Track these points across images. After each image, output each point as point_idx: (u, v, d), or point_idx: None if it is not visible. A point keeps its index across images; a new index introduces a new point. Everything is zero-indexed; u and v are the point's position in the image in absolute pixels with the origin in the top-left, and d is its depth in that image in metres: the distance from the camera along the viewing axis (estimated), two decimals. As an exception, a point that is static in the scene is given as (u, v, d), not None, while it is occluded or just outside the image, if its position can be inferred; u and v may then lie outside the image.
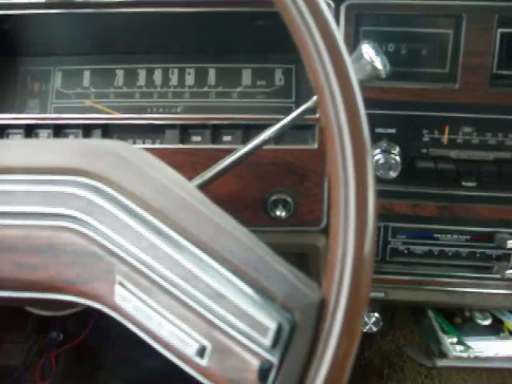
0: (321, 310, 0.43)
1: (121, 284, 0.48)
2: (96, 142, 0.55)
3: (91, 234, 0.50)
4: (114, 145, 0.53)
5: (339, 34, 0.47)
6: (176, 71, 1.01)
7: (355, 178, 0.43)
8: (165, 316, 0.46)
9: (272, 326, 0.43)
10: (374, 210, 0.44)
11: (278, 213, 0.91)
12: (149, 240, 0.47)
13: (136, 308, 0.47)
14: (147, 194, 0.48)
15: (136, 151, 0.54)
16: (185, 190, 0.49)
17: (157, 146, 0.93)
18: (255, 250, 0.45)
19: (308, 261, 0.98)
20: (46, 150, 0.54)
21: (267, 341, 0.43)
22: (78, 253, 0.50)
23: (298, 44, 0.47)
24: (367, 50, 0.71)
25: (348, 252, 0.42)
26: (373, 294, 1.01)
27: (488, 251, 0.98)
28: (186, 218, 0.47)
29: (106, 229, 0.49)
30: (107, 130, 0.94)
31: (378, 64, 0.71)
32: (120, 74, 1.02)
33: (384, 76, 0.72)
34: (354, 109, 0.45)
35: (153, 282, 0.47)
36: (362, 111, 0.46)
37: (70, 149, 0.53)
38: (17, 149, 0.55)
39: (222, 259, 0.45)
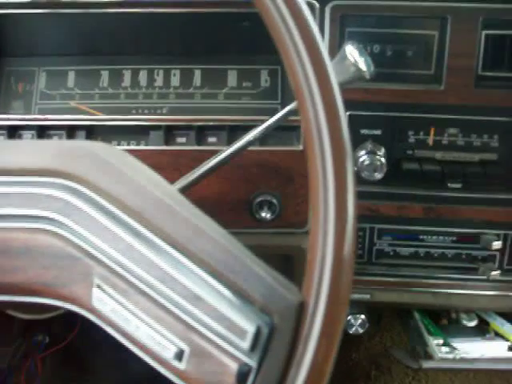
0: (300, 312, 0.42)
1: (98, 286, 0.47)
2: (74, 144, 0.54)
3: (69, 235, 0.49)
4: (92, 146, 0.52)
5: (319, 35, 0.46)
6: (161, 72, 1.00)
7: (335, 180, 0.43)
8: (142, 318, 0.45)
9: (250, 329, 0.42)
10: (354, 211, 0.43)
11: (263, 214, 0.91)
12: (126, 241, 0.47)
13: (113, 311, 0.46)
14: (125, 195, 0.47)
15: (115, 152, 0.53)
16: (163, 191, 0.48)
17: (141, 147, 0.92)
18: (234, 252, 0.45)
19: (293, 263, 0.98)
20: (23, 151, 0.53)
21: (246, 344, 0.43)
22: (56, 255, 0.49)
23: (278, 45, 0.47)
24: (351, 51, 0.71)
25: (327, 254, 0.42)
26: (358, 296, 1.01)
27: (474, 252, 0.98)
28: (163, 219, 0.46)
29: (83, 230, 0.48)
30: (91, 132, 0.93)
31: (362, 65, 0.70)
32: (105, 74, 1.01)
33: (368, 77, 0.71)
34: (333, 111, 0.44)
35: (130, 284, 0.46)
36: (342, 113, 0.45)
37: (47, 150, 0.52)
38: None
39: (200, 261, 0.45)
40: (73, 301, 0.49)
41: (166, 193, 0.48)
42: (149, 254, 0.46)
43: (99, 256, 0.47)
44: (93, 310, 0.48)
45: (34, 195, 0.50)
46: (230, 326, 0.43)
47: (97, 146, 0.53)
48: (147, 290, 0.45)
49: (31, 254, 0.50)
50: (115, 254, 0.47)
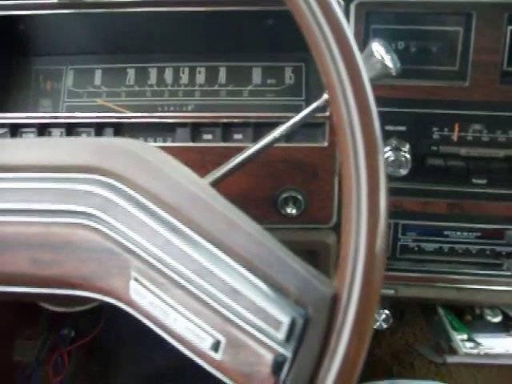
0: (333, 304, 0.43)
1: (136, 280, 0.49)
2: (110, 141, 0.56)
3: (107, 230, 0.50)
4: (128, 143, 0.54)
5: (351, 33, 0.47)
6: (187, 70, 1.02)
7: (367, 177, 0.44)
8: (180, 311, 0.47)
9: (285, 320, 0.43)
10: (386, 208, 0.44)
11: (288, 210, 0.92)
12: (164, 237, 0.48)
13: (151, 303, 0.48)
14: (162, 191, 0.49)
15: (150, 149, 0.55)
16: (198, 186, 0.50)
17: (168, 144, 0.94)
18: (268, 245, 0.46)
19: (318, 258, 0.99)
20: (61, 148, 0.55)
21: (281, 335, 0.44)
22: (94, 249, 0.51)
23: (310, 43, 0.48)
24: (377, 48, 0.72)
25: (360, 248, 0.43)
26: (383, 291, 1.01)
27: (498, 248, 0.98)
28: (199, 214, 0.47)
29: (121, 226, 0.50)
30: (119, 129, 0.95)
31: (389, 62, 0.71)
32: (131, 72, 1.02)
33: (394, 74, 0.72)
34: (366, 109, 0.45)
35: (168, 277, 0.48)
36: (374, 111, 0.46)
37: (84, 147, 0.54)
38: (32, 147, 0.56)
39: (236, 254, 0.46)
40: (111, 293, 0.51)
41: (201, 188, 0.49)
42: (186, 248, 0.47)
43: (137, 250, 0.49)
44: (131, 303, 0.49)
45: (72, 191, 0.51)
46: (265, 317, 0.44)
47: (133, 144, 0.54)
48: (185, 283, 0.47)
49: (69, 247, 0.51)
50: (153, 249, 0.48)
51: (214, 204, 0.48)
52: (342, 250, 0.45)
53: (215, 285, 0.46)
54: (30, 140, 0.61)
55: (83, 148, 0.54)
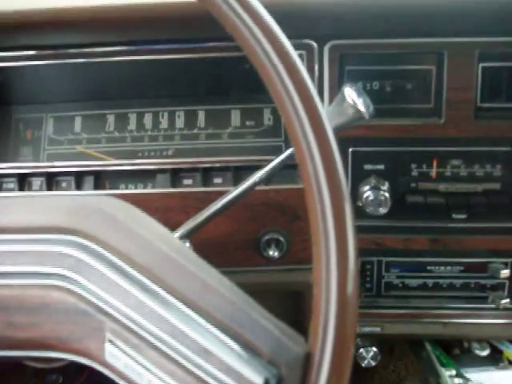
0: (307, 363, 0.43)
1: (111, 342, 0.48)
2: (83, 200, 0.56)
3: (81, 291, 0.50)
4: (100, 203, 0.54)
5: (314, 90, 0.48)
6: (166, 114, 1.02)
7: (335, 231, 0.44)
8: (154, 372, 0.46)
9: (259, 381, 0.43)
10: (355, 261, 0.44)
11: (270, 253, 0.92)
12: (136, 297, 0.48)
13: (126, 365, 0.47)
14: (133, 252, 0.49)
15: (123, 208, 0.55)
16: (170, 246, 0.50)
17: (149, 190, 0.94)
18: (240, 305, 0.46)
19: (302, 298, 0.98)
20: (34, 209, 0.55)
21: (255, 396, 0.43)
22: (70, 311, 0.50)
23: (273, 97, 0.48)
24: (349, 93, 0.73)
25: (331, 304, 0.43)
26: (369, 329, 1.01)
27: (482, 281, 0.99)
28: (171, 275, 0.47)
29: (94, 287, 0.50)
30: (99, 177, 0.95)
31: (361, 106, 0.72)
32: (111, 118, 1.03)
33: (367, 117, 0.73)
34: (330, 157, 0.46)
35: (142, 338, 0.47)
36: (339, 163, 0.46)
37: (58, 208, 0.54)
38: (5, 208, 0.56)
39: (208, 315, 0.46)
40: (86, 355, 0.50)
41: (173, 248, 0.49)
42: (158, 309, 0.47)
43: (111, 311, 0.49)
44: (106, 365, 0.49)
45: (45, 253, 0.51)
46: (238, 378, 0.44)
47: (104, 203, 0.54)
48: (158, 344, 0.46)
49: (45, 310, 0.51)
50: (126, 310, 0.48)
51: (186, 264, 0.48)
52: (313, 303, 0.45)
53: (188, 345, 0.45)
54: (2, 201, 0.61)
55: (56, 209, 0.54)
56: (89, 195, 0.93)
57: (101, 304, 0.49)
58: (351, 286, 0.44)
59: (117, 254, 0.49)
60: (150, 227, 0.53)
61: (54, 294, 0.51)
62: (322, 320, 0.43)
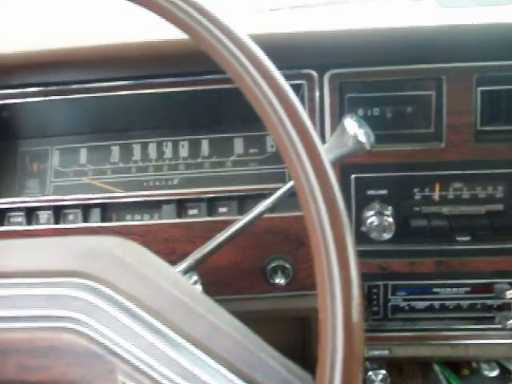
0: None
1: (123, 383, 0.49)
2: (93, 244, 0.57)
3: (92, 334, 0.51)
4: (110, 246, 0.55)
5: (312, 127, 0.48)
6: (170, 144, 1.03)
7: (338, 262, 0.45)
8: (166, 414, 0.47)
9: (270, 421, 0.44)
10: (359, 292, 0.45)
11: (277, 280, 0.92)
12: (147, 339, 0.49)
13: (138, 407, 0.48)
14: (143, 295, 0.50)
15: (131, 249, 0.56)
16: (180, 288, 0.51)
17: (155, 221, 0.95)
18: (249, 346, 0.47)
19: (309, 324, 0.99)
20: (44, 252, 0.56)
21: None
22: (81, 353, 0.51)
23: (272, 135, 0.49)
24: (350, 124, 0.74)
25: (338, 349, 0.44)
26: (377, 352, 1.01)
27: (489, 302, 0.99)
28: (181, 317, 0.48)
29: (105, 329, 0.50)
30: (106, 209, 0.96)
31: (362, 137, 0.73)
32: (115, 149, 1.04)
33: (368, 148, 0.74)
34: (330, 194, 0.46)
35: (153, 380, 0.48)
36: (338, 192, 0.47)
37: (67, 250, 0.55)
38: (16, 252, 0.57)
39: (218, 357, 0.46)
40: (98, 397, 0.51)
41: (182, 290, 0.50)
42: (169, 351, 0.48)
43: (122, 353, 0.49)
44: (119, 407, 0.50)
45: (56, 296, 0.52)
46: (250, 419, 0.45)
47: (114, 246, 0.55)
48: (170, 386, 0.47)
49: (56, 352, 0.52)
50: (137, 352, 0.49)
51: (196, 306, 0.48)
52: (319, 345, 0.45)
53: (199, 388, 0.46)
54: (14, 243, 0.62)
55: (66, 252, 0.55)
56: (97, 227, 0.94)
57: (112, 346, 0.50)
58: (356, 313, 0.44)
59: (127, 297, 0.50)
60: (159, 269, 0.54)
61: (65, 336, 0.52)
62: (329, 355, 0.44)
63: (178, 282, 0.52)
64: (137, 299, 0.50)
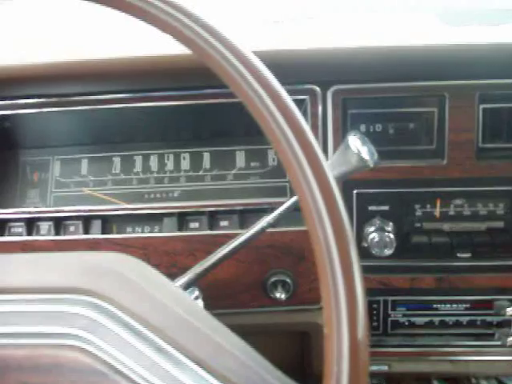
0: None
1: (126, 402, 0.49)
2: (97, 261, 0.57)
3: (95, 351, 0.51)
4: (114, 263, 0.55)
5: (317, 144, 0.48)
6: (171, 157, 1.03)
7: (343, 278, 0.45)
8: (169, 434, 0.47)
9: None
10: (364, 307, 0.45)
11: (277, 294, 0.92)
12: (150, 358, 0.48)
13: (141, 426, 0.48)
14: (147, 313, 0.50)
15: (137, 268, 0.56)
16: (183, 306, 0.50)
17: (156, 234, 0.95)
18: (253, 366, 0.46)
19: (309, 339, 0.99)
20: (48, 268, 0.56)
21: None
22: (84, 371, 0.51)
23: (277, 153, 0.49)
24: (353, 142, 0.74)
25: (343, 366, 0.43)
26: (376, 368, 1.01)
27: (488, 318, 0.99)
28: (185, 336, 0.48)
29: (109, 347, 0.50)
30: (107, 220, 0.96)
31: (365, 155, 0.73)
32: (117, 161, 1.04)
33: (372, 166, 0.74)
34: (335, 210, 0.46)
35: (157, 399, 0.48)
36: (343, 209, 0.47)
37: (71, 267, 0.55)
38: (20, 268, 0.56)
39: (222, 377, 0.46)
40: (101, 415, 0.51)
41: (186, 308, 0.50)
42: (173, 370, 0.47)
43: (126, 371, 0.49)
44: (121, 425, 0.49)
45: (60, 313, 0.52)
46: None
47: (118, 263, 0.55)
48: (173, 405, 0.47)
49: (60, 369, 0.51)
50: (141, 370, 0.48)
51: (199, 325, 0.48)
52: (325, 363, 0.45)
53: (203, 407, 0.46)
54: (18, 258, 0.62)
55: (71, 268, 0.55)
56: (97, 239, 0.94)
57: (115, 364, 0.50)
58: (362, 329, 0.44)
59: (131, 315, 0.50)
60: (163, 286, 0.54)
61: (69, 353, 0.52)
62: (335, 371, 0.43)
63: (182, 300, 0.52)
64: (140, 317, 0.50)
